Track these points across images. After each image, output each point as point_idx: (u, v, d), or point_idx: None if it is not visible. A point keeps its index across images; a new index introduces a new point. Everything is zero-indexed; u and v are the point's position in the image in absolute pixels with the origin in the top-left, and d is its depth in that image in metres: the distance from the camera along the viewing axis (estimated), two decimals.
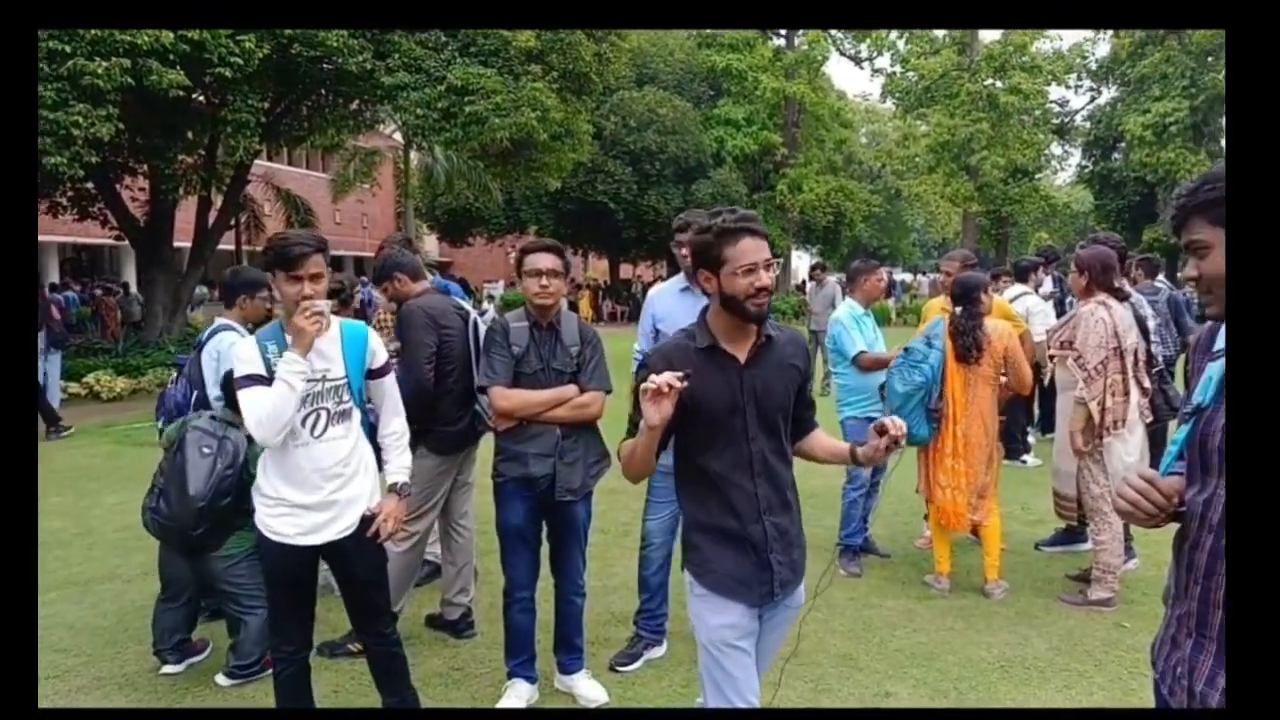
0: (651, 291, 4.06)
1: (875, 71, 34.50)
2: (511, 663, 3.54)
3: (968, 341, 4.58)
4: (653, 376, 2.07)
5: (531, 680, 3.54)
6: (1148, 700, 1.80)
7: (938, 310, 5.40)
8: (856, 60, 34.95)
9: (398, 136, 22.56)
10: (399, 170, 27.82)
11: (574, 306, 21.25)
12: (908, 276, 43.09)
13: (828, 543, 4.87)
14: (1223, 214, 1.53)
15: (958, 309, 4.68)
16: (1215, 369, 1.64)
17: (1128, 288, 5.04)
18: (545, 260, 3.33)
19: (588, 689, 3.57)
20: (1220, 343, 1.64)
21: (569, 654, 3.62)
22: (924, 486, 4.81)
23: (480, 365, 3.49)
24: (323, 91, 14.80)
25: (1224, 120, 27.04)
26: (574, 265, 35.76)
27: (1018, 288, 7.39)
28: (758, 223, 2.26)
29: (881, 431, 2.23)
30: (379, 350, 3.00)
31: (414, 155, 26.10)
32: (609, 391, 3.45)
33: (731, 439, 2.28)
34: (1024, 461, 7.73)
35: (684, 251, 3.51)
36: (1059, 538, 5.41)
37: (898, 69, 32.84)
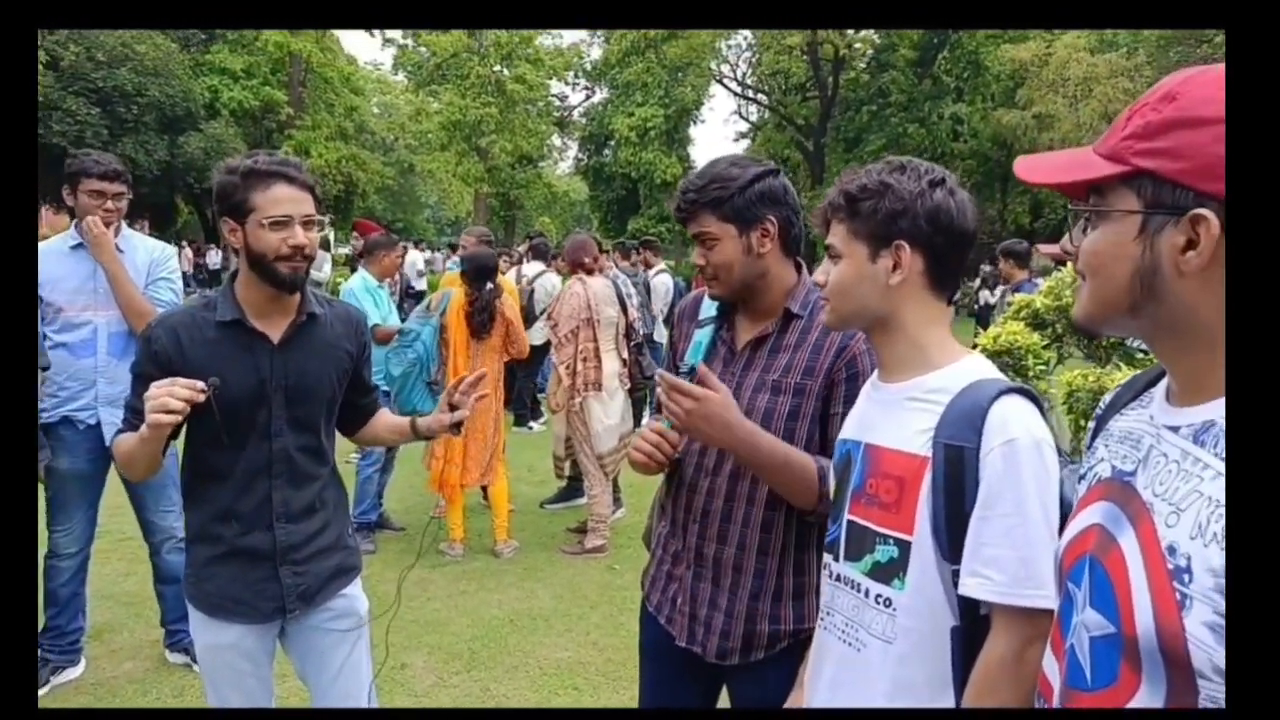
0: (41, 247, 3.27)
1: (386, 41, 33.79)
2: None
3: (484, 317, 4.74)
4: (163, 389, 1.65)
5: None
6: (635, 632, 2.01)
7: (452, 283, 5.50)
8: (370, 30, 34.00)
9: None
10: None
11: None
12: (427, 254, 43.41)
13: None
14: (729, 210, 1.76)
15: (473, 285, 4.81)
16: (703, 334, 1.89)
17: (611, 268, 5.69)
18: None
19: None
20: (707, 311, 1.90)
21: None
22: (426, 456, 4.87)
23: None
24: None
25: (691, 129, 32.03)
26: None
27: (538, 265, 7.96)
28: (300, 171, 1.87)
29: (453, 407, 2.04)
30: None
31: None
32: (45, 369, 2.90)
33: (249, 434, 1.89)
34: (530, 427, 8.30)
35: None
36: (560, 495, 5.90)
37: (409, 42, 32.71)
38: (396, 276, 10.19)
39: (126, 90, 24.41)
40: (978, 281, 12.22)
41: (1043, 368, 3.57)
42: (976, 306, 10.90)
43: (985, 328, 9.59)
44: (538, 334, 6.86)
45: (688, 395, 1.64)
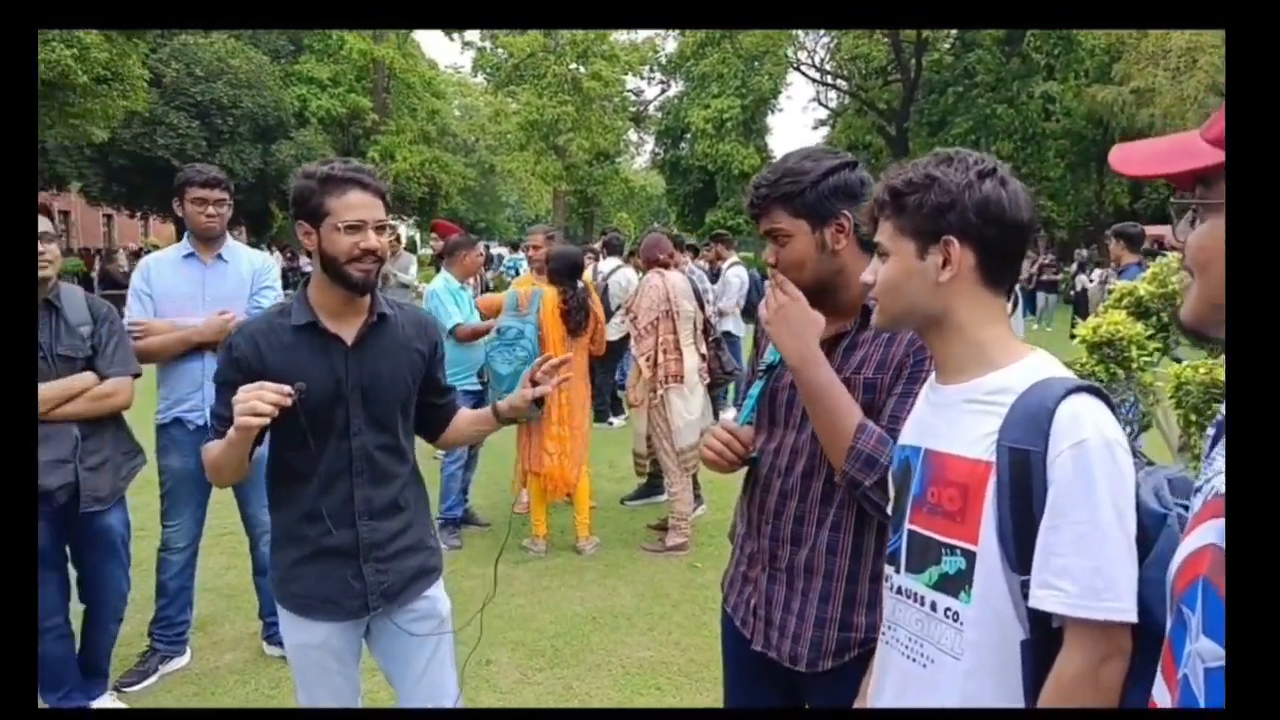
0: (148, 261, 3.50)
1: (466, 44, 34.43)
2: (51, 698, 2.99)
3: (580, 316, 4.77)
4: (251, 393, 1.71)
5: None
6: (718, 631, 1.98)
7: (527, 285, 5.54)
8: (447, 31, 34.69)
9: None
10: None
11: None
12: (505, 251, 44.17)
13: None
14: (800, 206, 1.70)
15: (566, 283, 4.83)
16: None
17: (688, 264, 5.66)
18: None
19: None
20: None
21: (94, 680, 3.15)
22: (527, 458, 4.90)
23: None
24: None
25: (768, 119, 31.74)
26: (133, 229, 31.02)
27: (614, 261, 7.99)
28: (373, 178, 1.92)
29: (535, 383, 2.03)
30: None
31: None
32: (136, 375, 2.97)
33: (329, 435, 1.93)
34: (611, 423, 8.33)
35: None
36: (641, 491, 5.89)
37: (487, 44, 33.23)
38: (478, 276, 10.38)
39: (223, 103, 25.48)
40: (1074, 266, 11.75)
41: (1148, 360, 3.39)
42: (1073, 292, 10.48)
43: (1083, 314, 9.22)
44: (613, 330, 6.88)
45: (787, 292, 1.66)
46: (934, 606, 1.32)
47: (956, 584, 1.28)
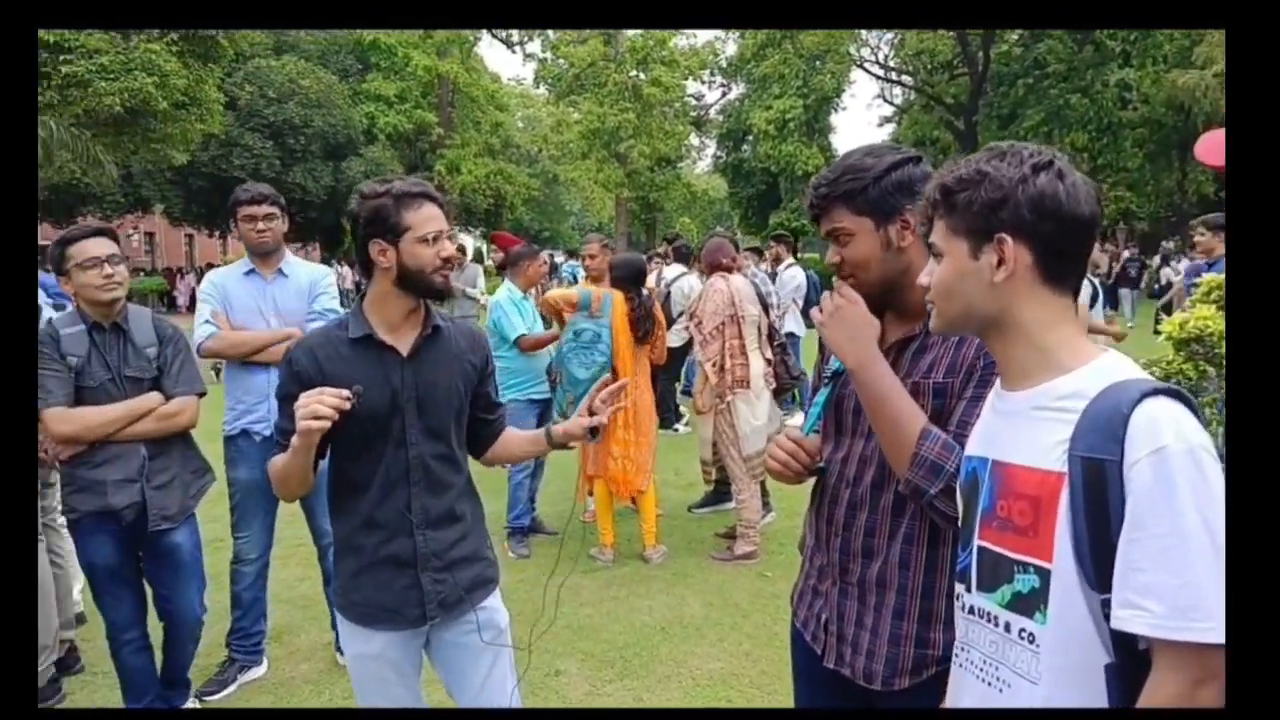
0: (214, 273, 3.60)
1: (527, 56, 34.97)
2: (134, 704, 3.09)
3: (649, 324, 4.75)
4: (312, 398, 1.75)
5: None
6: (789, 642, 1.92)
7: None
8: (508, 44, 35.19)
9: None
10: None
11: None
12: (562, 257, 44.56)
13: (495, 527, 4.80)
14: (863, 203, 1.63)
15: (633, 290, 4.82)
16: None
17: (750, 267, 5.58)
18: (102, 246, 2.82)
19: None
20: None
21: (176, 691, 3.23)
22: (592, 464, 4.89)
23: None
24: None
25: (831, 118, 31.37)
26: (212, 248, 32.06)
27: (679, 267, 7.95)
28: (437, 191, 2.03)
29: (592, 413, 2.05)
30: None
31: None
32: (201, 394, 3.04)
33: (386, 444, 1.98)
34: (676, 430, 8.28)
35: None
36: (708, 499, 5.83)
37: (548, 55, 33.58)
38: (541, 285, 10.47)
39: (294, 123, 26.30)
40: (1158, 259, 11.29)
41: None
42: (1157, 286, 10.06)
43: (1167, 308, 8.84)
44: (675, 336, 6.83)
45: (844, 295, 1.62)
46: (1008, 627, 1.24)
47: (1031, 603, 1.20)
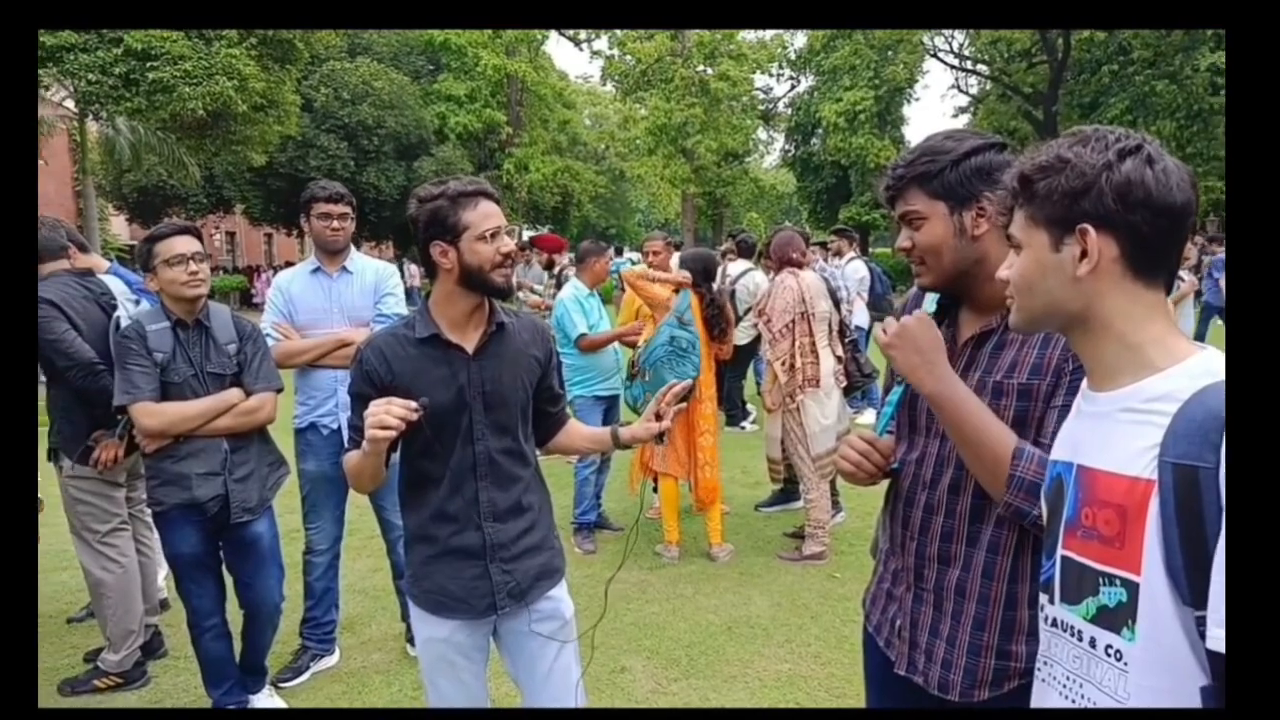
0: (280, 276, 3.68)
1: (594, 54, 35.01)
2: (215, 693, 3.19)
3: (722, 322, 4.71)
4: (380, 408, 1.79)
5: (242, 706, 3.23)
6: (859, 645, 1.87)
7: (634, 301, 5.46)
8: (576, 42, 35.36)
9: (70, 104, 19.64)
10: (75, 144, 24.14)
11: None
12: (636, 255, 44.67)
13: (561, 522, 4.82)
14: (938, 186, 1.57)
15: (705, 286, 4.78)
16: None
17: (818, 261, 5.48)
18: (187, 244, 2.89)
19: (268, 706, 3.33)
20: (927, 306, 1.69)
21: (254, 677, 3.31)
22: (659, 460, 4.85)
23: (116, 380, 2.89)
24: None
25: (904, 109, 30.76)
26: (290, 246, 33.00)
27: (743, 263, 7.86)
28: (491, 188, 2.04)
29: (659, 417, 2.07)
30: None
31: (92, 126, 22.81)
32: (279, 390, 3.11)
33: (454, 440, 2.02)
34: (743, 428, 8.20)
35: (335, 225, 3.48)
36: (775, 498, 5.75)
37: (615, 52, 33.63)
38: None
39: (368, 124, 26.89)
40: None
41: None
42: None
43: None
44: (742, 333, 6.75)
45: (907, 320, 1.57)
46: (1093, 643, 1.17)
47: (1118, 618, 1.12)
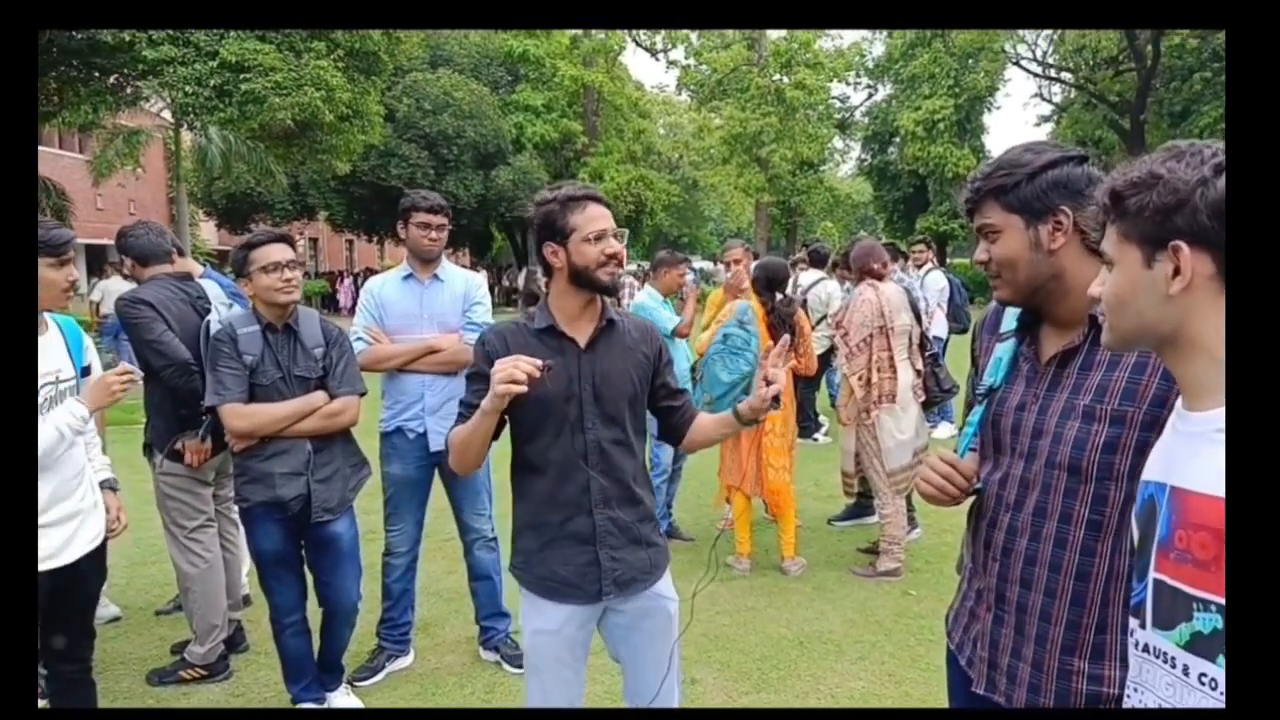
0: (372, 282, 3.77)
1: (670, 64, 35.22)
2: (294, 688, 3.27)
3: (781, 331, 4.67)
4: (509, 363, 1.87)
5: (320, 703, 3.30)
6: (935, 665, 1.84)
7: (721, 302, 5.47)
8: (652, 51, 35.57)
9: (167, 115, 20.60)
10: (170, 152, 25.29)
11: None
12: (708, 264, 44.65)
13: None
14: (1014, 200, 1.55)
15: (767, 295, 4.76)
16: (1004, 349, 1.68)
17: (898, 272, 5.38)
18: (282, 251, 3.00)
19: (345, 704, 3.40)
20: (1008, 323, 1.67)
21: (331, 675, 3.39)
22: (732, 472, 4.83)
23: (207, 381, 3.03)
24: (74, 63, 13.22)
25: (984, 118, 30.09)
26: (370, 253, 33.91)
27: (815, 273, 7.78)
28: (601, 193, 2.18)
29: (769, 381, 2.07)
30: (90, 346, 2.76)
31: (186, 135, 23.87)
32: (362, 394, 3.19)
33: (565, 427, 2.12)
34: (816, 439, 8.10)
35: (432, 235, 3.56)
36: (849, 512, 5.66)
37: (691, 62, 33.73)
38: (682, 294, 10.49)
39: (448, 134, 27.50)
40: None
41: None
42: None
43: None
44: (814, 344, 6.67)
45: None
46: (1186, 670, 1.12)
47: (1213, 645, 1.07)
